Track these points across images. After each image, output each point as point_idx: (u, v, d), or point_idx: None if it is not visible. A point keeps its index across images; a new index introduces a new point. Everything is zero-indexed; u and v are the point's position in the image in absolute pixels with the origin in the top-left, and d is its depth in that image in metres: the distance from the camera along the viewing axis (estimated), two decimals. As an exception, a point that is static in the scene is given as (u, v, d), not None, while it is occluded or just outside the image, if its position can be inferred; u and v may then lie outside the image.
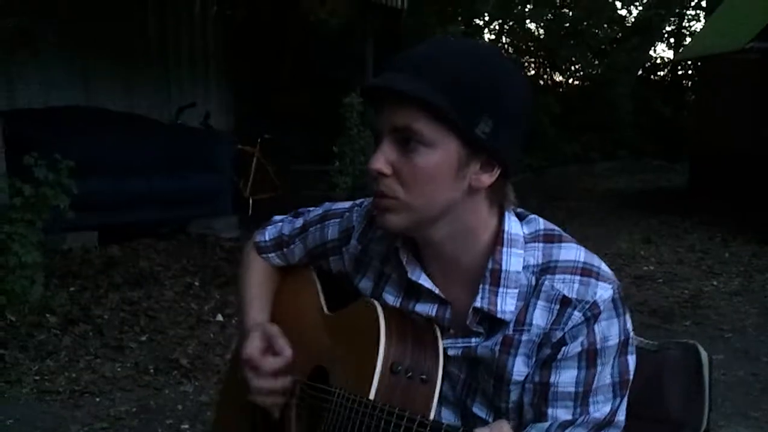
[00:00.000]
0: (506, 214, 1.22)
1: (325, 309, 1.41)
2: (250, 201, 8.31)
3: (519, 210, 1.26)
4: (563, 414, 1.16)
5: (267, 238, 1.54)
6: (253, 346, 1.36)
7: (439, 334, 1.24)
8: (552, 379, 1.16)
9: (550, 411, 1.16)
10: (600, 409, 1.15)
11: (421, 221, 1.17)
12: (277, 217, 1.57)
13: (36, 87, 7.03)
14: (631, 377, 1.18)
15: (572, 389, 1.15)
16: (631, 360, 1.18)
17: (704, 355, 1.31)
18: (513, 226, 1.22)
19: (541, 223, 1.25)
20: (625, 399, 1.18)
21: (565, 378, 1.16)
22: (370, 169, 1.15)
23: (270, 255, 1.54)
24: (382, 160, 1.14)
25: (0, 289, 4.38)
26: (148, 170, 6.66)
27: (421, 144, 1.11)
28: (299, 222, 1.50)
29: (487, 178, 1.15)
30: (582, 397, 1.15)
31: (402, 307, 1.28)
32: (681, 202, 10.29)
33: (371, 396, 1.17)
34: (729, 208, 8.86)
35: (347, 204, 1.44)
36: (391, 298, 1.30)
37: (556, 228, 1.25)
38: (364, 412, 1.17)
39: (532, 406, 1.19)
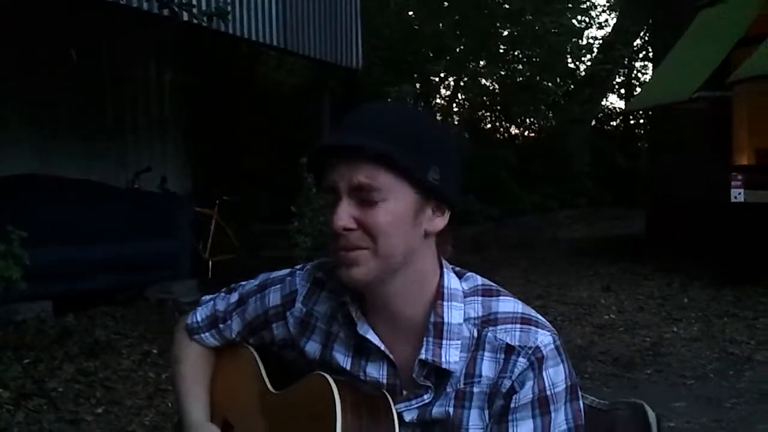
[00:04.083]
0: (445, 270, 1.27)
1: (270, 388, 1.38)
2: (210, 263, 8.24)
3: (457, 269, 1.31)
4: None
5: (199, 318, 1.50)
6: None
7: (390, 401, 1.24)
8: None
9: None
10: None
11: (386, 271, 1.20)
12: (206, 297, 1.54)
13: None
14: (584, 423, 1.21)
15: None
16: (581, 405, 1.22)
17: (651, 415, 1.31)
18: (452, 281, 1.27)
19: (479, 280, 1.30)
20: None
21: (523, 430, 1.18)
22: (335, 227, 1.17)
23: (204, 335, 1.49)
24: (345, 217, 1.17)
25: (-51, 364, 4.25)
26: (104, 236, 6.58)
27: (381, 195, 1.16)
28: (234, 296, 1.47)
29: (440, 222, 1.22)
30: None
31: (353, 368, 1.29)
32: (639, 249, 10.42)
33: None
34: (686, 254, 9.00)
35: (285, 271, 1.44)
36: (341, 357, 1.30)
37: (494, 284, 1.30)
38: None
39: None
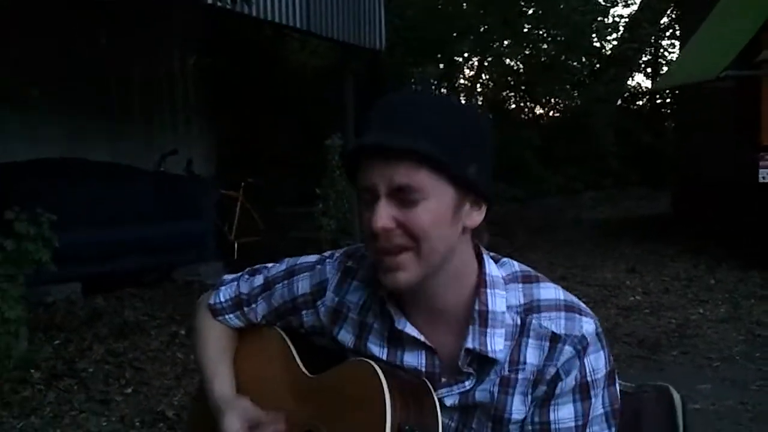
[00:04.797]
0: (484, 257, 1.27)
1: (305, 371, 1.37)
2: (236, 245, 8.30)
3: (492, 254, 1.30)
4: None
5: (222, 299, 1.48)
6: (233, 429, 1.34)
7: (431, 387, 1.25)
8: (552, 417, 1.22)
9: None
10: None
11: (428, 272, 1.19)
12: (228, 277, 1.52)
13: (18, 140, 7.03)
14: (620, 406, 1.24)
15: (572, 424, 1.21)
16: (617, 390, 1.24)
17: (677, 398, 1.31)
18: (492, 268, 1.26)
19: (516, 265, 1.30)
20: (616, 428, 1.23)
21: (564, 414, 1.21)
22: (374, 227, 1.15)
23: (228, 316, 1.48)
24: (385, 218, 1.15)
25: (-17, 345, 4.33)
26: (131, 219, 6.65)
27: (422, 196, 1.14)
28: (259, 279, 1.45)
29: (478, 216, 1.21)
30: (581, 430, 1.21)
31: (389, 359, 1.29)
32: (665, 230, 10.35)
33: None
34: (713, 235, 8.92)
35: (312, 258, 1.43)
36: (376, 349, 1.30)
37: (531, 269, 1.30)
38: None
39: None
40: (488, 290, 1.24)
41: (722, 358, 4.96)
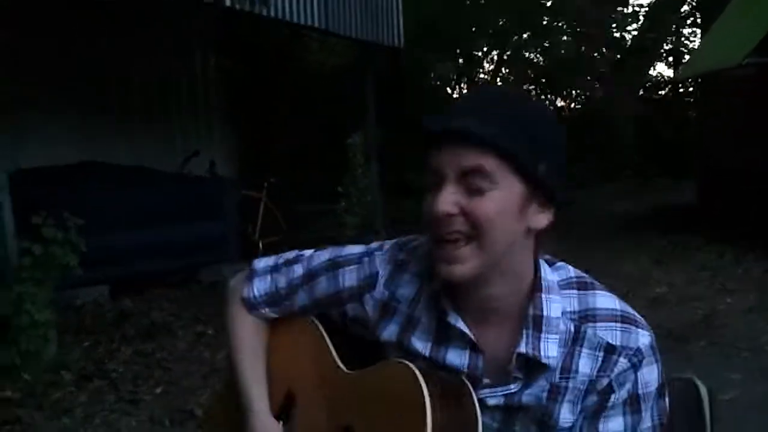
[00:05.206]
0: (541, 261, 1.25)
1: (341, 366, 1.35)
2: (260, 245, 8.34)
3: (547, 257, 1.28)
4: None
5: (258, 294, 1.43)
6: None
7: (471, 389, 1.23)
8: (601, 428, 1.21)
9: None
10: None
11: (486, 266, 1.17)
12: (260, 265, 1.46)
13: (40, 146, 7.12)
14: (667, 420, 1.23)
15: None
16: (667, 403, 1.24)
17: (703, 390, 1.31)
18: (547, 272, 1.25)
19: (572, 271, 1.28)
20: None
21: (614, 426, 1.21)
22: (437, 210, 1.13)
23: (264, 311, 1.44)
24: (449, 202, 1.13)
25: (14, 349, 4.40)
26: (156, 221, 6.71)
27: (489, 183, 1.12)
28: (298, 270, 1.40)
29: (544, 219, 1.19)
30: None
31: (432, 355, 1.27)
32: (689, 221, 10.25)
33: None
34: (738, 224, 8.82)
35: (358, 249, 1.39)
36: (420, 345, 1.28)
37: (586, 275, 1.29)
38: None
39: None
40: (543, 295, 1.22)
41: (750, 348, 4.91)
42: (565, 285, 1.25)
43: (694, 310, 5.86)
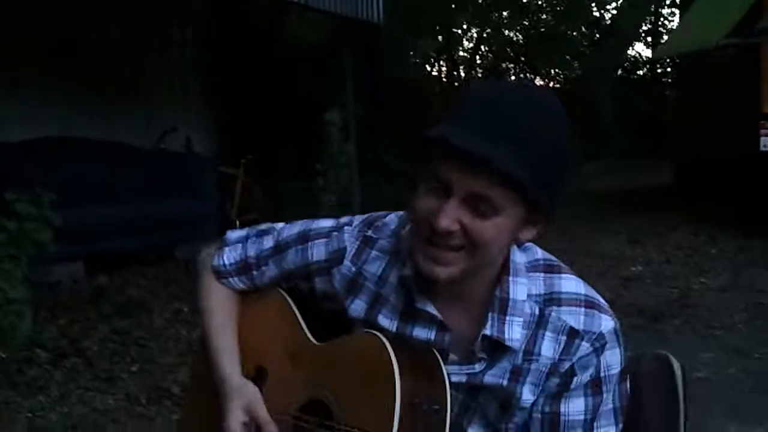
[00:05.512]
0: None
1: (311, 338, 1.36)
2: (237, 223, 8.29)
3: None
4: None
5: (227, 262, 1.44)
6: (235, 421, 1.33)
7: (440, 360, 1.24)
8: (562, 409, 1.23)
9: None
10: None
11: (471, 269, 1.18)
12: (232, 236, 1.47)
13: (14, 121, 7.00)
14: (628, 403, 1.26)
15: (581, 417, 1.23)
16: (627, 386, 1.27)
17: (677, 366, 1.32)
18: (516, 254, 1.25)
19: (539, 253, 1.29)
20: (622, 425, 1.25)
21: (575, 407, 1.23)
22: (437, 225, 1.12)
23: (232, 279, 1.45)
24: (452, 219, 1.12)
25: (-13, 326, 4.35)
26: (132, 197, 6.65)
27: (494, 210, 1.12)
28: (268, 242, 1.42)
29: (534, 231, 1.20)
30: (589, 424, 1.23)
31: (399, 331, 1.28)
32: (666, 201, 10.34)
33: None
34: (714, 204, 8.91)
35: (328, 222, 1.40)
36: (386, 321, 1.29)
37: (553, 257, 1.29)
38: None
39: None
40: (511, 278, 1.23)
41: (724, 327, 4.98)
42: (532, 267, 1.26)
43: (669, 289, 5.92)
